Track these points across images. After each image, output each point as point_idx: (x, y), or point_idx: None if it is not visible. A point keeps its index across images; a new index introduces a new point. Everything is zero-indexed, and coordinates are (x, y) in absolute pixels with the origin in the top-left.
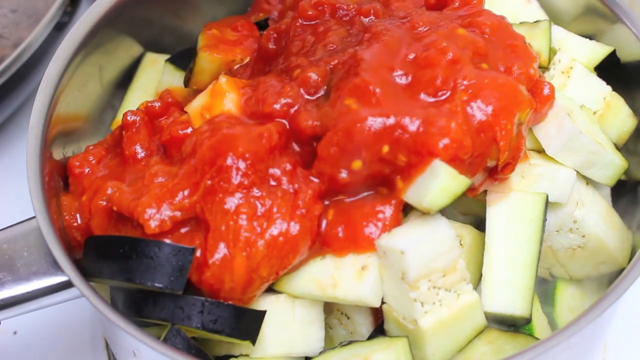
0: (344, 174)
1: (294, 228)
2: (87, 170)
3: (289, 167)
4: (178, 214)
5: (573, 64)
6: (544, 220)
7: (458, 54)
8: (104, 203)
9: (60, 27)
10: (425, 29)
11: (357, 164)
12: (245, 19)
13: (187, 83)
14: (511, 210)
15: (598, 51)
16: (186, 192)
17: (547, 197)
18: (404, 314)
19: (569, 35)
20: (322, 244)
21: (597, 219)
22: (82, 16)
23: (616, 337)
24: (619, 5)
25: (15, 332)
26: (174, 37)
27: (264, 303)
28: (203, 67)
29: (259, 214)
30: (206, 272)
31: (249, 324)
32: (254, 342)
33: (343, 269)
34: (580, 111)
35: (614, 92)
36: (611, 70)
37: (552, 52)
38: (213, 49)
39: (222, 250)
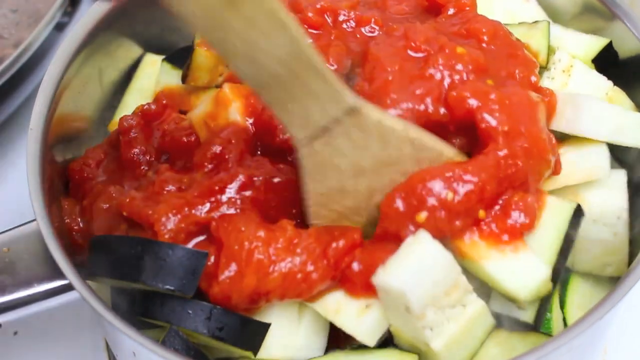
0: (411, 228)
1: (316, 274)
2: (86, 174)
3: None
4: (192, 227)
5: (573, 62)
6: (571, 230)
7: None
8: (106, 206)
9: (60, 28)
10: (424, 49)
11: (421, 217)
12: None
13: (184, 79)
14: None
15: (594, 44)
16: (205, 207)
17: (578, 207)
18: (414, 338)
19: (564, 31)
20: (338, 281)
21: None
22: (83, 17)
23: (616, 339)
24: (617, 4)
25: (15, 333)
26: (174, 38)
27: (271, 309)
28: (200, 63)
29: (279, 245)
30: (215, 286)
31: (253, 335)
32: (255, 354)
33: (349, 301)
34: None
35: (615, 86)
36: (609, 65)
37: (551, 50)
38: (210, 45)
39: (232, 269)
